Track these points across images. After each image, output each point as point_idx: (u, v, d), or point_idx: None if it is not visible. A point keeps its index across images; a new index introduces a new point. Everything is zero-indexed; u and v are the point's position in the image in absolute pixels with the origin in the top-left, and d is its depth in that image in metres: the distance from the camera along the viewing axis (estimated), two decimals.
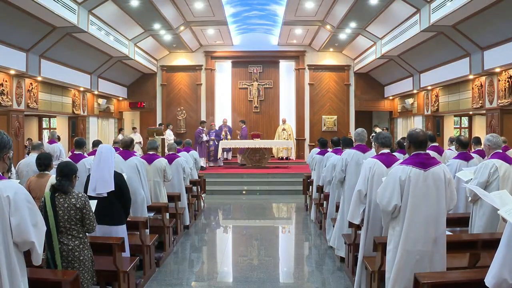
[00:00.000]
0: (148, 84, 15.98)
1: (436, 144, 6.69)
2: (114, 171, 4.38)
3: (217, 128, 14.68)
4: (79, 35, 9.70)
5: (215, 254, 6.68)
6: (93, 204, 3.72)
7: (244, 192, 11.71)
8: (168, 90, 16.02)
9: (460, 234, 4.77)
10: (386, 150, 4.31)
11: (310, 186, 8.83)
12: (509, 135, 8.31)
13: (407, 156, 3.70)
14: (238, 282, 5.14)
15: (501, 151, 4.56)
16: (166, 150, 11.03)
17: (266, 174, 12.58)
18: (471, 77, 9.85)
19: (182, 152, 8.56)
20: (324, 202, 6.93)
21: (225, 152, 14.86)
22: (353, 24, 11.95)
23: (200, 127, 13.86)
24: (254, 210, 10.04)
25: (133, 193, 5.20)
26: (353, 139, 6.01)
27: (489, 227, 4.34)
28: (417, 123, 13.58)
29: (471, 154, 6.04)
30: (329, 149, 7.93)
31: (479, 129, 13.00)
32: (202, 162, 13.39)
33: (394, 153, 5.38)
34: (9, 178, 3.80)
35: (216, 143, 13.82)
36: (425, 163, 3.42)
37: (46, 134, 14.43)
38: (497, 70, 8.76)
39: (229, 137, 14.23)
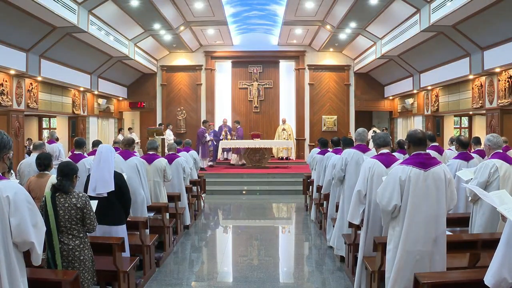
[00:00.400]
0: (148, 84, 15.98)
1: (436, 144, 6.69)
2: (114, 171, 4.38)
3: (216, 128, 14.68)
4: (79, 35, 9.70)
5: (215, 254, 6.68)
6: (93, 204, 3.72)
7: (244, 192, 11.71)
8: (168, 90, 16.02)
9: (460, 234, 4.77)
10: (386, 150, 4.31)
11: (310, 186, 8.83)
12: (509, 135, 8.31)
13: (407, 156, 3.70)
14: (238, 282, 5.14)
15: (501, 151, 4.56)
16: (166, 150, 11.02)
17: (266, 174, 12.58)
18: (471, 77, 9.85)
19: (182, 152, 8.56)
20: (324, 202, 6.93)
21: (225, 152, 14.87)
22: (353, 24, 11.95)
23: (202, 127, 13.75)
24: (254, 210, 10.04)
25: (133, 193, 5.20)
26: (353, 139, 6.01)
27: (489, 227, 4.34)
28: (417, 123, 13.58)
29: (471, 154, 6.04)
30: (329, 149, 7.93)
31: (479, 129, 13.00)
32: (206, 162, 13.34)
33: (394, 153, 5.39)
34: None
35: (215, 143, 13.78)
36: (426, 163, 3.42)
37: (46, 134, 14.43)
38: (497, 70, 8.77)
39: (229, 137, 14.23)
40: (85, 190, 4.37)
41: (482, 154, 6.13)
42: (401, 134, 14.98)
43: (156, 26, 12.17)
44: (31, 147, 11.40)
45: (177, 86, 16.04)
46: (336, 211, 5.84)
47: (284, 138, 14.90)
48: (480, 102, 9.64)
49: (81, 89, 12.30)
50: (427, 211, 3.38)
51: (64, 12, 8.39)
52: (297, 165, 14.16)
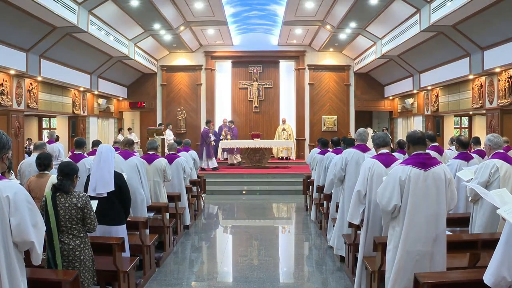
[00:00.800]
0: (148, 84, 15.98)
1: (436, 144, 6.69)
2: (114, 171, 4.38)
3: (216, 128, 14.67)
4: (79, 35, 9.70)
5: (215, 254, 6.68)
6: (94, 204, 3.73)
7: (244, 192, 11.71)
8: (168, 90, 16.02)
9: (460, 234, 4.77)
10: (385, 150, 4.31)
11: (310, 186, 8.83)
12: (509, 135, 8.31)
13: (407, 156, 3.70)
14: (238, 282, 5.14)
15: (502, 151, 4.56)
16: (166, 150, 11.02)
17: (266, 174, 12.58)
18: (471, 77, 9.85)
19: (182, 152, 8.56)
20: (324, 202, 6.93)
21: (225, 152, 14.84)
22: (353, 24, 11.95)
23: (206, 127, 13.63)
24: (254, 210, 10.03)
25: (133, 193, 5.21)
26: (353, 139, 6.01)
27: (490, 227, 4.34)
28: (417, 123, 13.58)
29: (471, 154, 6.04)
30: (329, 149, 7.93)
31: (479, 129, 13.00)
32: (211, 162, 13.25)
33: (394, 153, 5.39)
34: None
35: (214, 143, 13.74)
36: (426, 163, 3.42)
37: (46, 134, 14.43)
38: (497, 70, 8.76)
39: (229, 137, 14.22)
40: (85, 190, 4.37)
41: (482, 154, 6.13)
42: (401, 134, 14.98)
43: (156, 26, 12.17)
44: (31, 147, 11.40)
45: (177, 86, 16.04)
46: (336, 211, 5.84)
47: (284, 138, 14.91)
48: (480, 102, 9.64)
49: (81, 89, 12.30)
50: (427, 211, 3.38)
51: (64, 12, 8.39)
52: (297, 165, 14.16)
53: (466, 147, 5.92)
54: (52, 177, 4.58)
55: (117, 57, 12.43)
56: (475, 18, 8.15)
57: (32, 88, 9.83)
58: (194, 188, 8.84)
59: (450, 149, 7.42)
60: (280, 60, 16.22)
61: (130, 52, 12.63)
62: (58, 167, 3.57)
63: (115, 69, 13.39)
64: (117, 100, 15.70)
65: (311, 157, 8.69)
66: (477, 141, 6.68)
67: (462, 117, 14.50)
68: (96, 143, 6.99)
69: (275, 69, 16.28)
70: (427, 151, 3.97)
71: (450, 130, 12.90)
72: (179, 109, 15.94)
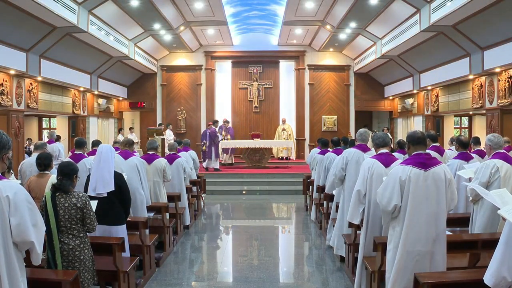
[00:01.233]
0: (148, 84, 15.98)
1: (437, 144, 6.69)
2: (114, 171, 4.38)
3: (216, 128, 14.63)
4: (79, 35, 9.70)
5: (215, 254, 6.68)
6: (93, 204, 3.72)
7: (244, 192, 11.71)
8: (168, 90, 16.02)
9: (460, 234, 4.77)
10: (385, 150, 4.31)
11: (310, 186, 8.83)
12: (509, 135, 8.31)
13: (407, 156, 3.70)
14: (238, 282, 5.14)
15: (502, 151, 4.55)
16: (166, 150, 11.00)
17: (266, 174, 12.58)
18: (471, 77, 9.85)
19: (181, 152, 8.56)
20: (324, 202, 6.93)
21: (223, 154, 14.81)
22: (353, 24, 11.95)
23: (213, 127, 13.44)
24: (254, 210, 10.03)
25: (133, 193, 5.20)
26: (354, 139, 6.01)
27: (490, 227, 4.34)
28: (417, 123, 13.58)
29: (471, 154, 6.04)
30: (330, 149, 7.93)
31: (479, 129, 13.00)
32: (218, 162, 13.14)
33: (394, 153, 5.40)
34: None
35: (206, 144, 13.67)
36: (426, 163, 3.42)
37: (46, 134, 14.43)
38: (497, 70, 8.76)
39: (229, 137, 14.21)
40: (85, 190, 4.37)
41: (482, 154, 6.13)
42: (401, 134, 14.98)
43: (156, 26, 12.17)
44: (31, 147, 11.40)
45: (177, 86, 16.04)
46: (336, 211, 5.84)
47: (284, 138, 14.91)
48: (480, 102, 9.64)
49: (81, 89, 12.29)
50: (427, 211, 3.38)
51: (64, 12, 8.39)
52: (297, 165, 14.16)
53: (466, 147, 5.92)
54: (52, 177, 4.58)
55: (117, 57, 12.43)
56: (475, 18, 8.15)
57: (32, 88, 9.83)
58: (194, 188, 8.84)
59: (450, 149, 7.42)
60: (280, 60, 16.21)
61: (130, 52, 12.63)
62: (58, 167, 3.58)
63: (115, 69, 13.39)
64: (117, 100, 15.70)
65: (311, 157, 8.68)
66: (477, 141, 6.68)
67: (462, 117, 14.49)
68: (96, 143, 6.99)
69: (275, 69, 16.28)
70: (428, 151, 3.97)
71: (450, 130, 12.90)
72: (179, 109, 15.94)
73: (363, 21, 11.54)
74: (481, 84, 9.63)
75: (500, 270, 2.30)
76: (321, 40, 14.41)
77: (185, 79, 16.03)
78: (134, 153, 6.27)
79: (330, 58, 15.79)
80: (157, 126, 14.38)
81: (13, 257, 2.40)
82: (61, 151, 9.18)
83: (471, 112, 12.06)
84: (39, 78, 9.89)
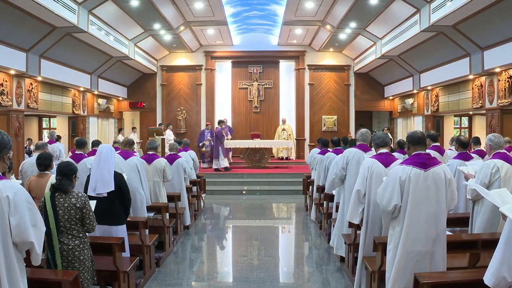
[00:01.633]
0: (148, 84, 15.98)
1: (437, 144, 6.69)
2: (114, 171, 4.38)
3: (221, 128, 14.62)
4: (79, 35, 9.70)
5: (215, 254, 6.68)
6: (92, 204, 3.72)
7: (244, 192, 11.71)
8: (168, 90, 16.02)
9: (460, 234, 4.77)
10: (385, 150, 4.31)
11: (310, 186, 8.83)
12: (509, 135, 8.31)
13: (407, 156, 3.70)
14: (238, 282, 5.14)
15: (502, 151, 4.55)
16: (166, 150, 10.99)
17: (266, 174, 12.58)
18: (471, 77, 9.85)
19: (181, 152, 8.56)
20: (324, 202, 6.93)
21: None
22: (353, 24, 11.95)
23: (218, 126, 13.33)
24: (254, 210, 10.03)
25: (133, 193, 5.20)
26: (354, 139, 6.00)
27: (490, 227, 4.33)
28: (417, 123, 13.58)
29: (470, 154, 6.04)
30: (329, 149, 7.93)
31: (479, 129, 13.00)
32: (226, 162, 13.10)
33: (394, 153, 5.40)
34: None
35: (212, 143, 13.67)
36: (426, 163, 3.42)
37: (46, 134, 14.43)
38: (497, 70, 8.76)
39: (229, 136, 14.20)
40: (85, 190, 4.37)
41: (482, 154, 6.13)
42: (401, 134, 14.98)
43: (156, 26, 12.17)
44: (32, 147, 11.39)
45: (177, 86, 16.04)
46: (336, 211, 5.84)
47: (284, 138, 14.91)
48: (480, 102, 9.64)
49: (81, 89, 12.29)
50: (427, 211, 3.38)
51: (64, 12, 8.39)
52: (297, 165, 14.16)
53: (465, 147, 5.92)
54: (52, 177, 4.57)
55: (117, 57, 12.43)
56: (475, 18, 8.15)
57: (32, 88, 9.83)
58: (194, 188, 8.84)
59: (450, 149, 7.42)
60: (280, 60, 16.22)
61: (130, 52, 12.63)
62: (57, 167, 3.57)
63: (115, 69, 13.39)
64: (117, 100, 15.70)
65: (311, 157, 8.69)
66: (477, 141, 6.68)
67: (462, 117, 14.49)
68: (96, 143, 6.99)
69: (275, 69, 16.28)
70: (428, 150, 3.97)
71: (450, 130, 12.90)
72: (179, 109, 15.94)
73: (363, 21, 11.54)
74: (481, 84, 9.63)
75: (500, 270, 2.30)
76: (321, 40, 14.41)
77: (185, 79, 16.04)
78: (134, 153, 6.27)
79: (330, 58, 15.79)
80: (157, 126, 14.38)
81: (13, 257, 2.40)
82: (61, 151, 9.18)
83: (471, 112, 12.06)
84: (39, 78, 9.88)
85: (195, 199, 8.71)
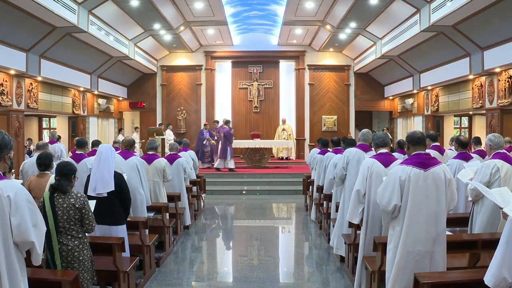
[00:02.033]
0: (148, 84, 15.98)
1: (437, 143, 6.69)
2: (114, 171, 4.38)
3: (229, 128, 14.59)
4: (79, 35, 9.70)
5: (215, 254, 6.68)
6: (92, 204, 3.72)
7: (244, 192, 11.71)
8: (168, 90, 16.02)
9: (460, 234, 4.77)
10: (384, 150, 4.31)
11: (310, 186, 8.83)
12: (509, 135, 8.31)
13: (407, 156, 3.70)
14: (238, 282, 5.14)
15: (502, 151, 4.55)
16: (166, 150, 10.98)
17: (266, 174, 12.58)
18: (471, 77, 9.85)
19: (181, 152, 8.56)
20: (324, 202, 6.93)
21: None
22: (353, 24, 11.95)
23: (225, 126, 13.19)
24: (254, 210, 10.04)
25: (133, 193, 5.20)
26: (352, 139, 6.00)
27: (490, 227, 4.33)
28: (417, 123, 13.58)
29: (471, 154, 6.04)
30: (329, 149, 7.93)
31: (479, 129, 13.00)
32: (233, 163, 13.05)
33: (394, 153, 5.40)
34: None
35: (210, 144, 13.65)
36: (426, 163, 3.43)
37: (46, 134, 14.43)
38: (497, 70, 8.76)
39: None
40: (86, 190, 4.37)
41: (482, 154, 6.13)
42: (401, 134, 14.98)
43: (156, 26, 12.17)
44: (32, 147, 11.37)
45: (177, 86, 16.04)
46: (336, 211, 5.84)
47: (284, 138, 14.91)
48: (480, 102, 9.64)
49: (81, 89, 12.29)
50: (427, 211, 3.38)
51: (64, 12, 8.39)
52: (297, 165, 14.16)
53: (465, 147, 5.92)
54: (52, 177, 4.57)
55: (117, 57, 12.43)
56: (475, 18, 8.15)
57: (32, 88, 9.83)
58: (194, 188, 8.84)
59: (450, 149, 7.42)
60: (280, 60, 16.21)
61: (130, 52, 12.63)
62: (56, 167, 3.56)
63: (115, 69, 13.39)
64: (117, 100, 15.70)
65: (311, 157, 8.69)
66: (477, 141, 6.68)
67: (462, 117, 14.49)
68: (96, 143, 6.99)
69: (275, 69, 16.28)
70: (429, 150, 3.97)
71: (450, 130, 12.90)
72: (179, 109, 15.94)
73: (363, 21, 11.54)
74: (481, 84, 9.63)
75: (500, 271, 2.30)
76: (321, 40, 14.41)
77: (185, 79, 16.04)
78: (134, 153, 6.27)
79: (330, 58, 15.79)
80: (157, 126, 14.37)
81: (14, 257, 2.40)
82: (63, 151, 9.19)
83: (471, 112, 12.06)
84: (39, 78, 9.89)
85: (195, 199, 8.71)
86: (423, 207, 3.38)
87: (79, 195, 3.45)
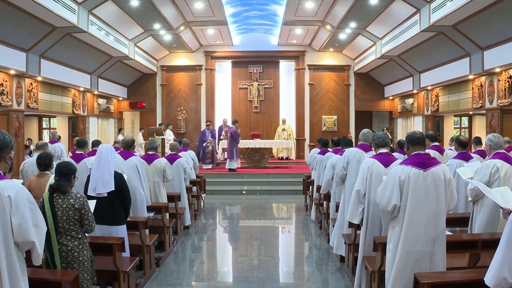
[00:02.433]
0: (148, 84, 15.98)
1: (437, 144, 6.70)
2: (115, 171, 4.38)
3: (216, 128, 14.62)
4: (79, 35, 9.70)
5: (215, 254, 6.68)
6: (92, 204, 3.71)
7: (244, 192, 11.71)
8: (168, 90, 16.02)
9: (460, 234, 4.77)
10: (384, 150, 4.31)
11: (310, 186, 8.83)
12: (509, 135, 8.30)
13: (407, 156, 3.70)
14: (238, 282, 5.14)
15: (502, 151, 4.55)
16: (166, 150, 10.97)
17: (266, 174, 12.58)
18: (471, 77, 9.85)
19: (181, 152, 8.55)
20: (324, 202, 6.94)
21: (225, 152, 14.81)
22: (353, 24, 11.95)
23: (232, 126, 13.18)
24: (254, 210, 10.04)
25: (133, 193, 5.20)
26: (350, 140, 6.01)
27: (490, 227, 4.34)
28: (417, 123, 13.58)
29: (471, 154, 6.04)
30: (329, 149, 7.93)
31: (479, 129, 13.00)
32: (238, 162, 13.01)
33: (394, 153, 5.40)
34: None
35: (213, 144, 13.63)
36: (425, 163, 3.43)
37: (46, 134, 14.43)
38: (497, 70, 8.76)
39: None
40: (86, 190, 4.37)
41: (483, 154, 6.13)
42: (401, 134, 14.98)
43: (156, 26, 12.17)
44: (32, 147, 11.37)
45: (177, 86, 16.05)
46: (336, 211, 5.85)
47: (284, 138, 14.91)
48: (480, 102, 9.65)
49: (81, 89, 12.29)
50: (426, 211, 3.38)
51: (64, 12, 8.39)
52: (297, 165, 14.16)
53: (465, 147, 5.92)
54: (52, 177, 4.57)
55: (117, 57, 12.43)
56: (475, 18, 8.15)
57: (32, 88, 9.83)
58: (194, 188, 8.84)
59: (450, 149, 7.43)
60: (280, 60, 16.22)
61: (130, 52, 12.63)
62: (56, 167, 3.55)
63: (115, 69, 13.39)
64: (117, 100, 15.70)
65: (311, 157, 8.69)
66: (478, 141, 6.68)
67: (462, 117, 14.49)
68: (96, 143, 6.99)
69: (275, 69, 16.28)
70: (429, 150, 3.97)
71: (450, 130, 12.90)
72: (179, 109, 15.94)
73: (363, 21, 11.54)
74: (481, 84, 9.63)
75: (501, 271, 2.30)
76: (321, 40, 14.41)
77: (185, 79, 16.04)
78: (134, 153, 6.27)
79: (330, 58, 15.79)
80: (157, 126, 14.37)
81: (14, 257, 2.40)
82: (63, 151, 9.19)
83: (471, 112, 12.06)
84: (39, 78, 9.89)
85: (195, 199, 8.71)
86: (423, 207, 3.38)
87: (78, 195, 3.44)
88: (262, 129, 15.98)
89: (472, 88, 10.05)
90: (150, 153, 6.63)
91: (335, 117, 15.89)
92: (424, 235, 3.37)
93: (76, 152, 6.37)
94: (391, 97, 15.54)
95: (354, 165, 5.22)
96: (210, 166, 13.45)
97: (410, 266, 3.36)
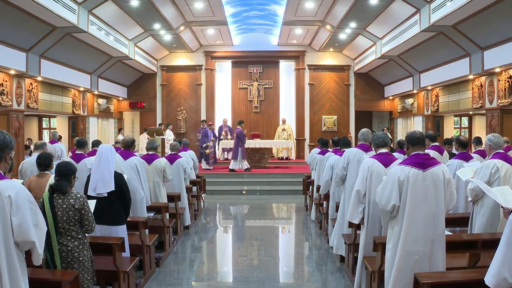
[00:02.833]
0: (148, 84, 15.98)
1: (437, 143, 6.69)
2: (115, 171, 4.38)
3: (217, 128, 14.62)
4: (79, 35, 9.70)
5: (215, 254, 6.68)
6: (92, 204, 3.71)
7: (244, 192, 11.71)
8: (168, 90, 16.02)
9: (460, 234, 4.77)
10: (384, 150, 4.32)
11: (310, 186, 8.83)
12: (509, 135, 8.31)
13: (407, 156, 3.71)
14: (238, 282, 5.14)
15: (502, 151, 4.55)
16: (166, 150, 10.96)
17: (266, 174, 12.58)
18: (471, 77, 9.85)
19: (181, 152, 8.55)
20: (324, 202, 6.94)
21: (225, 152, 14.82)
22: (353, 24, 11.95)
23: (238, 127, 13.06)
24: (254, 210, 10.04)
25: (133, 193, 5.20)
26: (348, 140, 6.02)
27: (490, 226, 4.34)
28: (417, 123, 13.58)
29: (471, 154, 6.04)
30: (330, 149, 7.93)
31: (479, 129, 13.00)
32: (245, 163, 12.92)
33: (394, 153, 5.40)
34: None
35: (215, 144, 13.60)
36: (424, 163, 3.43)
37: (46, 134, 14.43)
38: (497, 70, 8.77)
39: (229, 137, 14.17)
40: (86, 190, 4.37)
41: (483, 154, 6.13)
42: (401, 134, 14.99)
43: (156, 26, 12.17)
44: (32, 147, 11.38)
45: (177, 86, 16.05)
46: (336, 211, 5.85)
47: (284, 138, 14.91)
48: (480, 102, 9.65)
49: (81, 89, 12.30)
50: (426, 211, 3.38)
51: (64, 12, 8.39)
52: (297, 165, 14.16)
53: (465, 147, 5.92)
54: (52, 177, 4.57)
55: (117, 57, 12.43)
56: (475, 18, 8.15)
57: (32, 88, 9.83)
58: (194, 188, 8.84)
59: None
60: (280, 60, 16.22)
61: (130, 52, 12.63)
62: (56, 167, 3.55)
63: (115, 69, 13.39)
64: (117, 100, 15.71)
65: (311, 157, 8.69)
66: (478, 141, 6.68)
67: (462, 117, 14.49)
68: (96, 143, 6.99)
69: (275, 69, 16.28)
70: (428, 150, 3.97)
71: (450, 130, 12.90)
72: (179, 109, 15.95)
73: (363, 21, 11.55)
74: (481, 84, 9.63)
75: (501, 271, 2.30)
76: (321, 40, 14.41)
77: (185, 79, 16.04)
78: (134, 153, 6.27)
79: (330, 58, 15.79)
80: (157, 126, 14.37)
81: (15, 257, 2.40)
82: (63, 151, 9.20)
83: (471, 112, 12.06)
84: (39, 78, 9.89)
85: (195, 199, 8.71)
86: (422, 207, 3.38)
87: (78, 195, 3.44)
88: (262, 129, 15.98)
89: (472, 88, 10.05)
90: (150, 153, 6.63)
91: (335, 117, 15.89)
92: (423, 235, 3.38)
93: (76, 152, 6.36)
94: (391, 97, 15.54)
95: (354, 165, 5.22)
96: (212, 167, 13.40)
97: (410, 266, 3.36)
